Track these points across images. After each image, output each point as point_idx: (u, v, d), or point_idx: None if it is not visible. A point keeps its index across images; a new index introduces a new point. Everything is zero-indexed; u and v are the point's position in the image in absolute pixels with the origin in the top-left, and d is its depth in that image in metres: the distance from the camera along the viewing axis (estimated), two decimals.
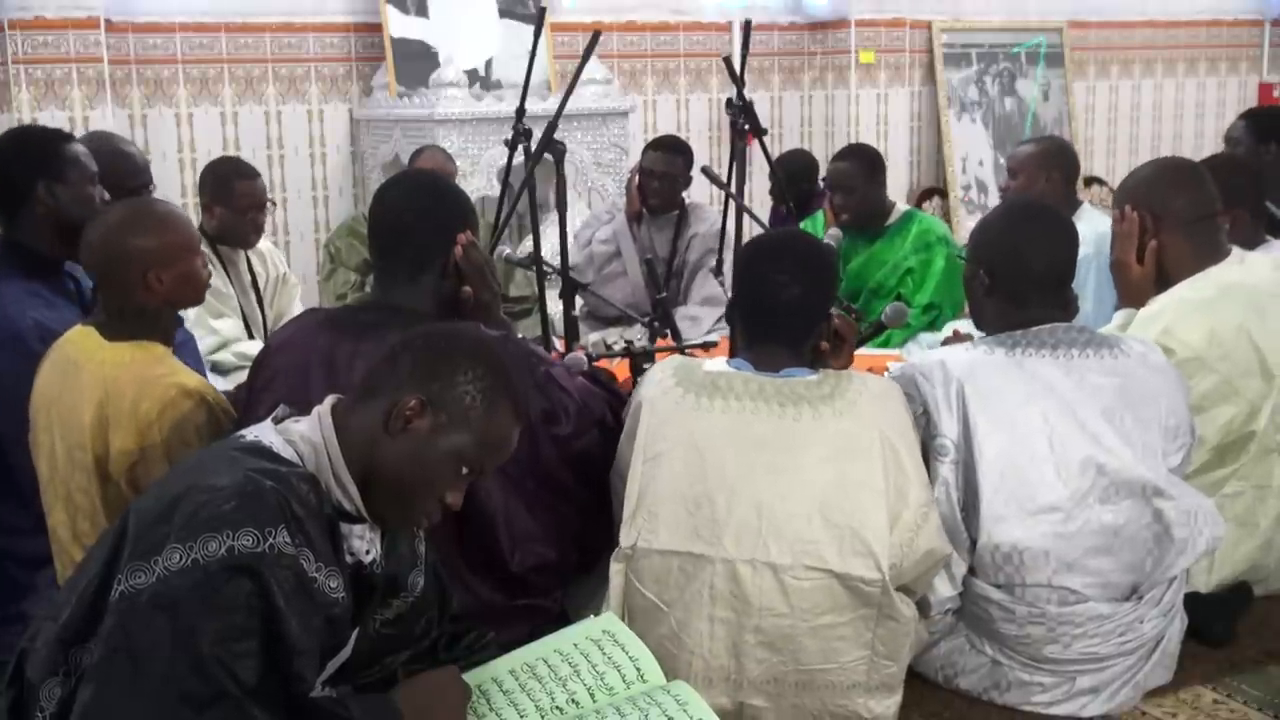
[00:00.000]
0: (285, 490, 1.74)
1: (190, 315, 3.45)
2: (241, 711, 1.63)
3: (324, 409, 1.92)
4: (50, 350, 2.51)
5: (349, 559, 1.88)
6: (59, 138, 3.00)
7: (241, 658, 1.64)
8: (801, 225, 4.42)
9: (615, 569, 2.27)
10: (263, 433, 1.89)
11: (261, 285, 4.10)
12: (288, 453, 1.85)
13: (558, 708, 1.97)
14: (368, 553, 1.91)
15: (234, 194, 3.92)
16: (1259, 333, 2.78)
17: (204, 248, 3.86)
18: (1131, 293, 2.93)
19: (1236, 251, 2.93)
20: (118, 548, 1.73)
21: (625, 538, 2.27)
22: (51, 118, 4.93)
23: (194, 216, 5.11)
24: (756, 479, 2.24)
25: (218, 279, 3.93)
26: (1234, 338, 2.76)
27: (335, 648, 1.83)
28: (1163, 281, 2.88)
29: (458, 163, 4.85)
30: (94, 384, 2.36)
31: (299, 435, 1.87)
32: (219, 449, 1.90)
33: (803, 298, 2.37)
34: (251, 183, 3.97)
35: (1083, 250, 3.68)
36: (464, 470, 1.89)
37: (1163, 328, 2.76)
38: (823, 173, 5.09)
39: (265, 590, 1.66)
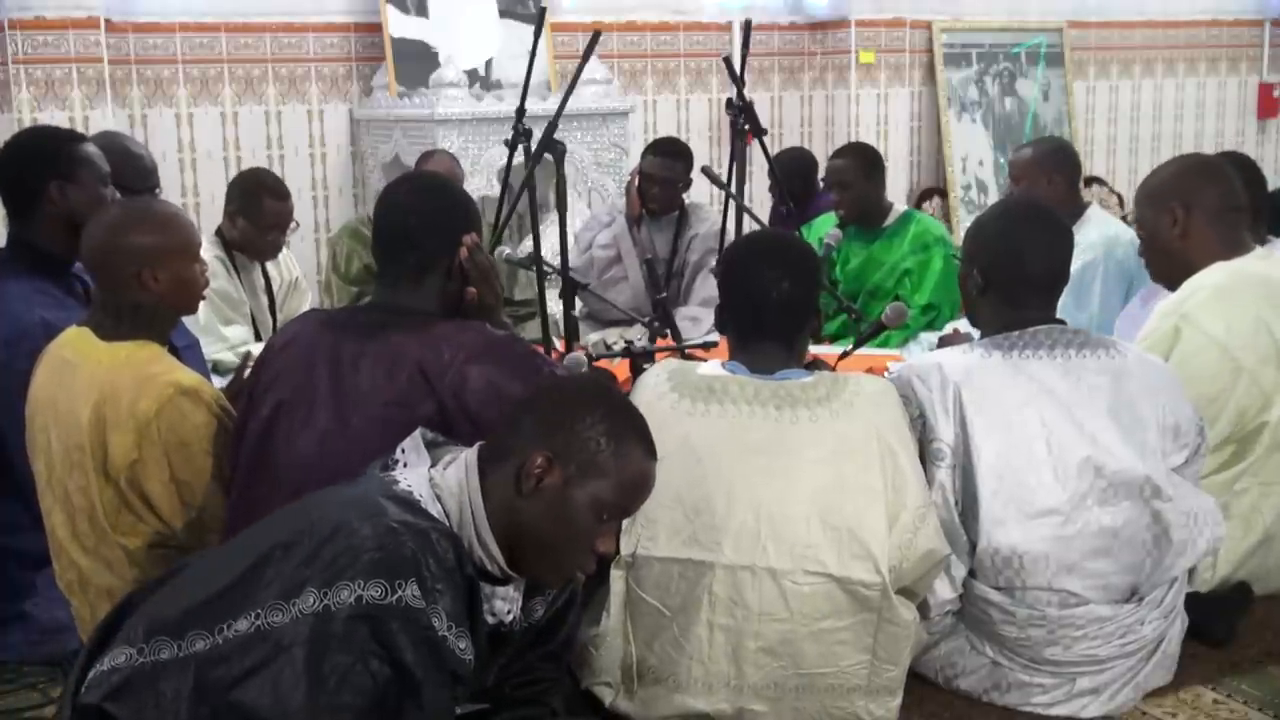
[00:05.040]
0: (423, 547, 1.72)
1: (200, 322, 3.45)
2: None
3: (471, 460, 1.89)
4: (45, 352, 2.50)
5: (489, 619, 1.87)
6: (72, 138, 3.01)
7: (345, 711, 1.63)
8: (806, 228, 4.43)
9: (615, 575, 2.26)
10: (416, 483, 1.87)
11: (275, 290, 4.09)
12: (435, 509, 1.83)
13: None
14: (509, 612, 1.91)
15: (261, 211, 3.87)
16: (1276, 325, 2.79)
17: (219, 251, 3.88)
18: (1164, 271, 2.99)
19: (1261, 249, 2.95)
20: (259, 568, 1.72)
21: (625, 545, 2.25)
22: (51, 118, 4.93)
23: (194, 217, 5.14)
24: (754, 483, 2.24)
25: (230, 284, 3.92)
26: (1252, 328, 2.78)
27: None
28: (1189, 269, 2.90)
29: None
30: (91, 384, 2.36)
31: (447, 490, 1.86)
32: (371, 492, 1.85)
33: (794, 292, 2.38)
34: (281, 204, 3.91)
35: (1090, 254, 3.74)
36: (605, 517, 1.88)
37: (1182, 315, 2.78)
38: (822, 173, 5.07)
39: (390, 644, 1.65)
